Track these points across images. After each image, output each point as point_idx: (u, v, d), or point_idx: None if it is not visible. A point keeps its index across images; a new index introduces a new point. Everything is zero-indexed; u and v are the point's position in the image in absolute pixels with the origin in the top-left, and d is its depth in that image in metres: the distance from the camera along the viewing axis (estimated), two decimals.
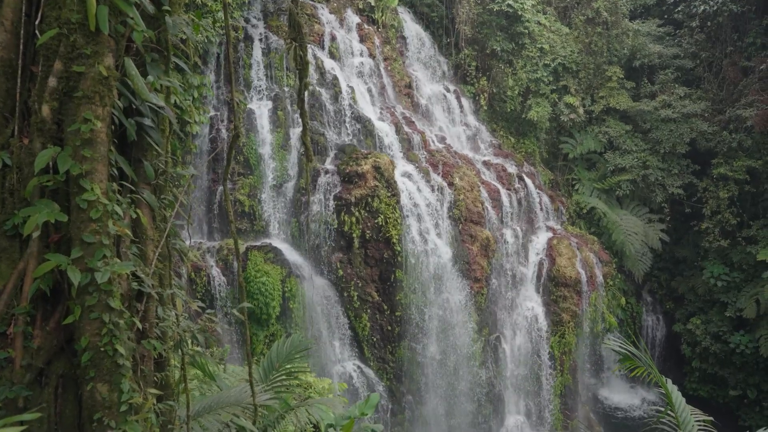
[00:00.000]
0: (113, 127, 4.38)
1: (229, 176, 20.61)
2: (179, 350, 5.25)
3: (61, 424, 4.21)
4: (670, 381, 8.65)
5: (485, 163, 26.20)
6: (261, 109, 21.27)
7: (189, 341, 5.54)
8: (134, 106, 4.59)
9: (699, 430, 8.28)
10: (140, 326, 4.46)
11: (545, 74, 28.28)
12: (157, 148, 4.81)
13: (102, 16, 4.03)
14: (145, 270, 4.57)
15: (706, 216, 28.20)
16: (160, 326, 4.81)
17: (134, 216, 4.53)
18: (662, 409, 8.59)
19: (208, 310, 5.89)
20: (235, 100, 5.57)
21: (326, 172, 21.09)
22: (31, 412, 3.95)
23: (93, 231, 4.04)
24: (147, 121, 4.67)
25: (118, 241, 4.40)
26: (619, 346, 8.91)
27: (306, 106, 21.77)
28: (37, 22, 4.15)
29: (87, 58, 4.10)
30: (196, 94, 19.35)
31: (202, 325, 5.25)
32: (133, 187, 4.62)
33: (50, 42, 4.09)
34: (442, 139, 25.82)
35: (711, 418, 8.47)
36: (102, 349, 4.05)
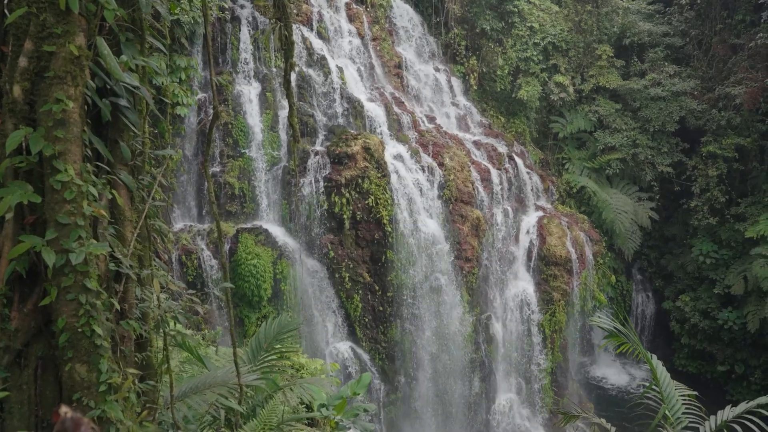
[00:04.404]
0: (87, 107, 4.34)
1: (218, 159, 20.54)
2: (162, 331, 5.26)
3: (42, 405, 4.23)
4: (655, 357, 8.75)
5: (475, 143, 26.16)
6: (250, 91, 21.12)
7: (172, 322, 5.55)
8: (109, 87, 4.55)
9: (683, 404, 8.40)
10: (119, 307, 4.46)
11: (535, 53, 28.16)
12: (133, 128, 4.77)
13: None
14: (123, 251, 4.56)
15: (695, 194, 28.33)
16: (140, 307, 4.81)
17: (110, 197, 4.51)
18: (648, 384, 8.70)
19: (189, 291, 5.90)
20: (214, 79, 5.53)
21: (316, 153, 21.02)
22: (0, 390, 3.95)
23: (67, 212, 4.02)
24: (122, 102, 4.63)
25: (95, 222, 4.38)
26: (605, 323, 9.01)
27: (293, 87, 21.60)
28: (6, 1, 4.09)
29: (57, 38, 4.05)
30: (183, 76, 19.18)
31: (182, 304, 5.26)
32: (109, 168, 4.59)
33: (20, 21, 4.03)
34: (432, 120, 25.75)
35: (695, 393, 8.59)
36: (79, 329, 4.05)
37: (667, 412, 8.23)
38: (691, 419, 8.22)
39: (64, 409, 1.65)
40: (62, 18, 4.07)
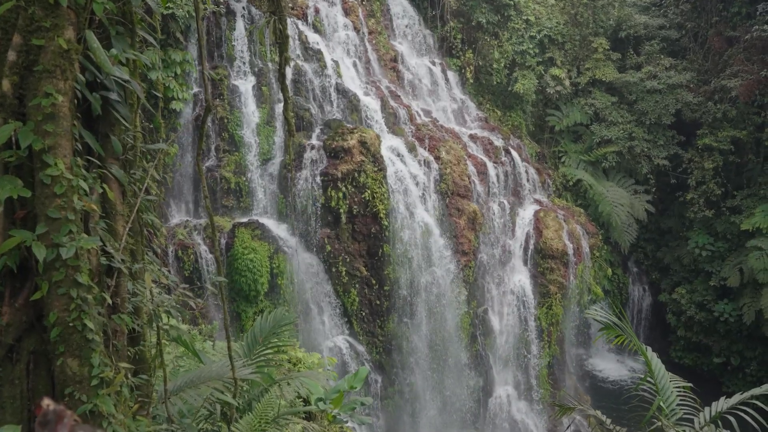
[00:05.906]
0: (77, 101, 4.32)
1: (214, 153, 20.50)
2: (155, 325, 5.25)
3: (34, 399, 4.22)
4: (650, 349, 8.78)
5: (472, 137, 26.14)
6: (245, 85, 21.07)
7: (165, 316, 5.54)
8: (99, 80, 4.53)
9: (678, 396, 8.42)
10: (111, 301, 4.45)
11: (531, 46, 28.11)
12: (124, 122, 4.75)
13: None
14: (115, 245, 4.55)
15: (691, 186, 28.37)
16: (132, 301, 4.80)
17: (101, 191, 4.49)
18: (643, 377, 8.73)
19: (183, 285, 5.90)
20: (207, 73, 5.52)
21: (312, 147, 20.99)
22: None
23: (58, 206, 4.00)
24: (113, 96, 4.61)
25: (86, 216, 4.37)
26: (601, 316, 9.03)
27: (288, 81, 21.51)
28: None
29: (46, 31, 4.02)
30: (178, 71, 19.14)
31: (176, 299, 5.26)
32: (100, 163, 4.58)
33: (8, 14, 4.01)
34: (428, 113, 25.71)
35: (690, 385, 8.61)
36: (71, 324, 4.04)
37: (661, 403, 8.26)
38: (685, 411, 8.25)
39: (46, 402, 1.65)
40: (51, 11, 4.05)
